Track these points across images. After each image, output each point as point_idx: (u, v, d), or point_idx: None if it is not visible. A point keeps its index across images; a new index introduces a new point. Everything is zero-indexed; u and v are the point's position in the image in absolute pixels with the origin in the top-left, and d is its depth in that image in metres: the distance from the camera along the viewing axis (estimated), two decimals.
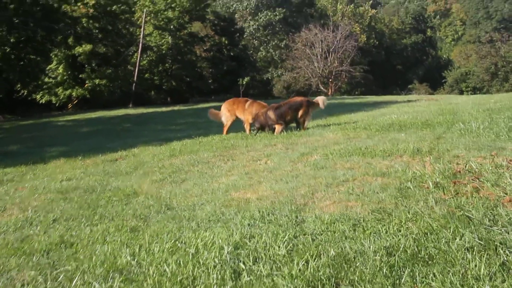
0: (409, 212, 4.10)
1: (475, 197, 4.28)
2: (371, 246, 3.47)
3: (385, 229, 3.79)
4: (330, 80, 52.84)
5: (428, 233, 3.59)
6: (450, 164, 5.53)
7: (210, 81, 49.44)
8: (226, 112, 11.81)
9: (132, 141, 12.37)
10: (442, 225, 3.69)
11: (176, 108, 30.10)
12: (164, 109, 29.57)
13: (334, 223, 4.06)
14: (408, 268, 3.12)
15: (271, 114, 10.54)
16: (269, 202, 5.00)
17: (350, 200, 4.73)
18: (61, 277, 3.58)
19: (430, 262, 3.19)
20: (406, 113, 12.78)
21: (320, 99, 11.06)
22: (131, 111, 29.10)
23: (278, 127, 10.55)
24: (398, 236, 3.62)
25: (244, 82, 39.93)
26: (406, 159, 6.20)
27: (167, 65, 45.65)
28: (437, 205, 4.17)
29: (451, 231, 3.57)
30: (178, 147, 9.97)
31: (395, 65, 72.12)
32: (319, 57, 52.05)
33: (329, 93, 50.81)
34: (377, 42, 67.99)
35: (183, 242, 4.03)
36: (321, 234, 3.86)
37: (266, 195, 5.33)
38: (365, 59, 59.29)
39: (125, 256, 3.85)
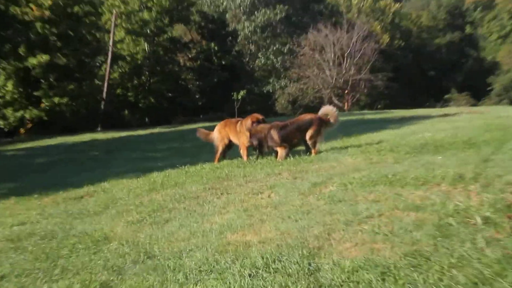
0: (452, 256, 4.06)
1: None
2: None
3: (422, 278, 3.74)
4: (346, 91, 53.19)
5: (479, 283, 3.55)
6: (502, 193, 5.50)
7: (197, 96, 49.87)
8: (217, 135, 11.89)
9: (102, 173, 12.36)
10: (497, 273, 3.64)
11: (155, 130, 30.23)
12: (141, 132, 29.68)
13: (358, 271, 4.02)
14: None
15: (274, 134, 10.56)
16: (274, 246, 4.95)
17: (376, 241, 4.68)
18: None
19: None
20: (443, 131, 12.81)
21: (329, 111, 11.03)
22: (99, 135, 29.19)
23: (281, 151, 10.56)
24: (440, 287, 3.56)
25: (240, 97, 40.14)
26: (445, 188, 6.17)
27: (143, 77, 46.09)
28: (489, 247, 4.13)
29: (508, 280, 3.52)
30: (160, 179, 9.94)
31: (426, 71, 72.54)
32: (331, 63, 52.52)
33: (346, 107, 51.10)
34: (403, 43, 68.67)
35: None
36: (341, 286, 3.82)
37: (271, 237, 5.28)
38: (388, 64, 59.78)
39: None
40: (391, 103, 57.19)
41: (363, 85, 53.56)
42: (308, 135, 10.64)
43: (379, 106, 57.92)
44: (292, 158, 10.28)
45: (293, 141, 10.71)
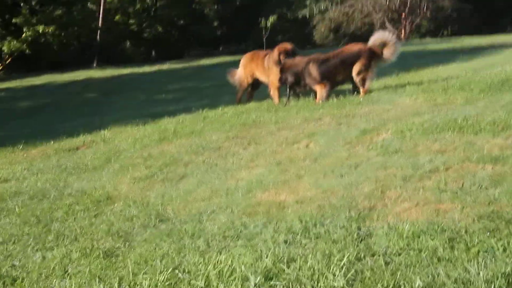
0: None
1: None
2: (480, 273, 3.44)
3: (502, 245, 3.74)
4: (403, 15, 52.22)
5: None
6: None
7: (215, 24, 49.50)
8: (240, 71, 11.94)
9: (100, 119, 12.52)
10: None
11: (165, 67, 30.25)
12: (147, 69, 29.76)
13: (419, 237, 4.03)
14: None
15: (313, 69, 10.51)
16: (315, 207, 5.01)
17: (442, 200, 4.68)
18: None
19: None
20: None
21: (385, 39, 10.85)
22: (95, 73, 29.38)
23: (321, 90, 10.52)
24: None
25: (269, 24, 39.77)
26: None
27: (148, 1, 45.81)
28: None
29: None
30: (172, 127, 10.03)
31: None
32: None
33: (403, 35, 50.28)
34: None
35: (186, 271, 4.05)
36: (400, 255, 3.84)
37: (310, 197, 5.34)
38: None
39: None
40: (461, 29, 55.87)
41: (425, 6, 52.44)
42: (355, 70, 10.56)
43: (445, 33, 56.77)
44: (335, 100, 10.24)
45: (337, 77, 10.66)
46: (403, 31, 51.43)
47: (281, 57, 10.98)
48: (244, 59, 12.04)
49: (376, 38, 10.91)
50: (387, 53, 10.75)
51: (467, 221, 4.20)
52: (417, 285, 3.41)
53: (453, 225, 4.15)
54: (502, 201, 4.47)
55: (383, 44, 10.80)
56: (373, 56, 10.68)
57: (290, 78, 10.64)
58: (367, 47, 10.85)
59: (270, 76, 11.32)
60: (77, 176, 7.57)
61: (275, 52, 11.19)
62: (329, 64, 10.58)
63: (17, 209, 6.33)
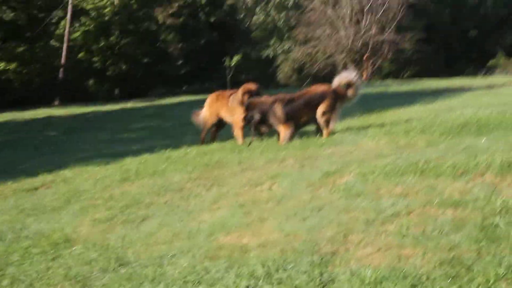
0: (500, 265, 4.07)
1: None
2: None
3: None
4: (366, 56, 53.06)
5: None
6: None
7: (180, 62, 49.68)
8: (205, 111, 11.97)
9: (61, 158, 12.36)
10: None
11: (128, 105, 30.19)
12: (109, 107, 29.65)
13: (382, 283, 4.04)
14: None
15: (278, 108, 10.53)
16: (277, 251, 4.97)
17: (404, 245, 4.69)
18: None
19: None
20: (488, 106, 12.81)
21: (349, 79, 10.94)
22: (58, 111, 29.16)
23: (285, 131, 10.55)
24: None
25: (233, 63, 40.10)
26: (490, 180, 6.18)
27: (112, 38, 45.84)
28: None
29: None
30: (134, 167, 9.94)
31: (466, 31, 72.21)
32: (347, 21, 52.31)
33: (365, 77, 50.99)
34: None
35: None
36: None
37: (273, 240, 5.30)
38: (419, 22, 59.47)
39: None
40: (421, 71, 56.92)
41: (387, 49, 53.32)
42: (320, 111, 10.62)
43: (406, 75, 57.75)
44: (298, 141, 10.27)
45: (301, 118, 10.71)
46: (365, 72, 52.15)
47: (245, 97, 11.04)
48: (209, 99, 12.10)
49: (340, 79, 11.00)
50: (350, 93, 10.86)
51: (429, 267, 4.21)
52: None
53: (415, 271, 4.16)
54: (463, 247, 4.49)
55: (347, 85, 10.91)
56: (338, 97, 10.77)
57: (255, 117, 10.66)
58: (331, 89, 10.94)
59: (234, 115, 11.36)
60: (35, 218, 7.43)
61: (239, 92, 11.27)
62: (294, 105, 10.63)
63: None
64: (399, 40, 52.10)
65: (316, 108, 10.62)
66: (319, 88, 11.15)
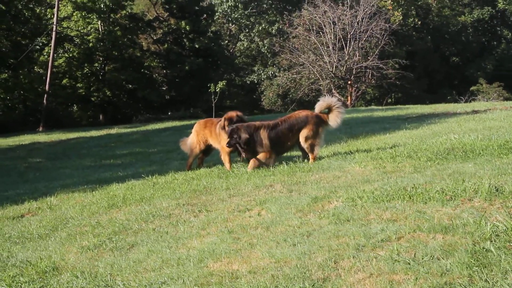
0: None
1: None
2: None
3: None
4: (349, 82, 53.42)
5: None
6: None
7: (164, 88, 49.80)
8: (192, 137, 11.97)
9: (46, 185, 12.29)
10: None
11: (113, 131, 30.11)
12: (94, 133, 29.57)
13: None
14: None
15: (263, 135, 10.54)
16: (268, 277, 4.96)
17: (395, 271, 4.70)
18: None
19: None
20: (473, 131, 12.88)
21: (331, 104, 10.97)
22: (42, 137, 29.04)
23: (264, 157, 10.58)
24: None
25: (218, 89, 40.15)
26: (479, 205, 6.20)
27: (96, 65, 45.99)
28: None
29: None
30: (121, 193, 9.91)
31: (448, 57, 72.99)
32: (331, 48, 52.69)
33: (349, 102, 51.30)
34: (419, 23, 69.08)
35: None
36: None
37: (263, 266, 5.28)
38: (401, 48, 60.16)
39: None
40: (404, 97, 57.57)
41: (370, 75, 53.73)
42: (302, 137, 10.65)
43: (389, 101, 58.26)
44: (286, 166, 10.28)
45: (286, 144, 10.73)
46: (349, 98, 52.48)
47: (226, 124, 11.08)
48: (197, 126, 12.10)
49: (322, 104, 11.05)
50: (333, 118, 10.89)
51: None
52: None
53: None
54: (454, 272, 4.49)
55: (329, 109, 10.96)
56: (321, 122, 10.81)
57: (241, 139, 10.62)
58: (314, 114, 10.98)
59: (221, 142, 11.38)
60: (22, 246, 7.38)
61: (222, 119, 11.32)
62: (278, 130, 10.64)
63: None
64: (382, 66, 52.50)
65: (299, 133, 10.66)
66: (301, 113, 11.18)
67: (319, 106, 11.02)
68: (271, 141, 10.51)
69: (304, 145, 10.68)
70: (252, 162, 10.54)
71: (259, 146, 10.54)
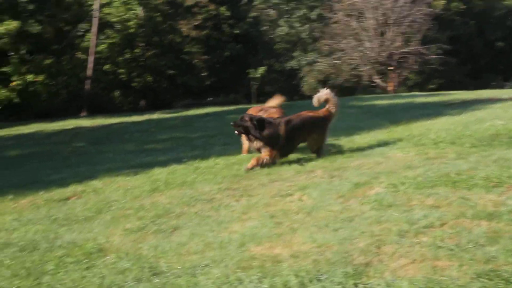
0: None
1: None
2: None
3: None
4: (391, 68, 52.91)
5: None
6: None
7: (204, 74, 49.89)
8: None
9: (90, 169, 12.44)
10: None
11: (154, 116, 30.31)
12: (135, 118, 29.80)
13: None
14: None
15: (282, 128, 9.94)
16: (310, 262, 4.99)
17: (439, 257, 4.68)
18: None
19: None
20: None
21: (328, 97, 10.41)
22: (85, 122, 29.37)
23: (269, 154, 9.84)
24: None
25: (257, 75, 40.17)
26: None
27: (137, 50, 46.22)
28: None
29: None
30: (163, 177, 9.98)
31: (493, 42, 71.57)
32: (372, 33, 52.24)
33: (390, 88, 50.86)
34: (463, 7, 67.91)
35: None
36: None
37: (305, 251, 5.31)
38: (444, 34, 59.25)
39: None
40: (447, 83, 56.64)
41: (412, 60, 53.17)
42: (312, 137, 10.24)
43: (431, 87, 57.48)
44: (326, 152, 10.26)
45: (296, 141, 10.20)
46: (390, 84, 52.02)
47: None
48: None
49: (321, 96, 10.61)
50: (333, 111, 10.42)
51: (466, 279, 4.19)
52: None
53: (451, 283, 4.15)
54: (499, 259, 4.47)
55: (326, 101, 10.57)
56: (328, 123, 10.35)
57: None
58: (324, 113, 10.42)
59: None
60: (68, 227, 7.50)
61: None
62: (295, 125, 10.01)
63: (6, 261, 6.23)
64: (424, 52, 51.86)
65: (309, 134, 10.25)
66: (309, 113, 10.58)
67: (317, 100, 10.64)
68: (286, 135, 9.88)
69: (313, 147, 10.32)
70: (265, 157, 9.77)
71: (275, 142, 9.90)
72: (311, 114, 10.48)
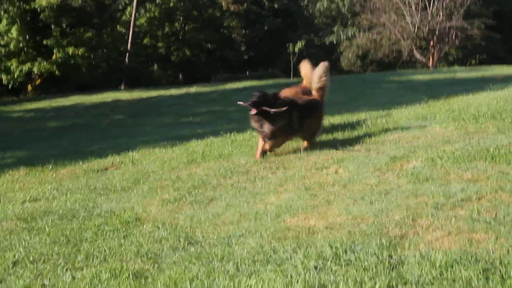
0: None
1: None
2: None
3: None
4: (432, 43, 52.16)
5: None
6: None
7: (243, 48, 49.84)
8: None
9: (128, 141, 12.61)
10: None
11: (192, 90, 30.42)
12: (173, 91, 29.94)
13: (453, 267, 4.01)
14: None
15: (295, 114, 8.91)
16: (345, 233, 5.01)
17: (475, 230, 4.66)
18: None
19: None
20: None
21: (320, 74, 9.52)
22: (123, 95, 29.62)
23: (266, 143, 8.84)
24: None
25: (296, 50, 39.85)
26: None
27: (177, 25, 46.33)
28: None
29: None
30: (200, 149, 10.09)
31: None
32: (413, 7, 51.47)
33: (430, 63, 50.19)
34: None
35: None
36: (432, 284, 3.82)
37: (340, 223, 5.33)
38: (488, 8, 58.12)
39: None
40: (489, 59, 55.64)
41: (454, 35, 52.30)
42: (306, 123, 9.09)
43: (474, 62, 56.56)
44: (364, 126, 10.23)
45: (295, 125, 8.95)
46: (431, 59, 51.30)
47: None
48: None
49: (315, 75, 9.57)
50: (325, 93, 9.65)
51: (502, 251, 4.16)
52: None
53: (487, 255, 4.12)
54: None
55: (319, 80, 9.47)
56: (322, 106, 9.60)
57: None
58: (319, 99, 9.50)
59: None
60: (106, 197, 7.63)
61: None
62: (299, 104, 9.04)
63: (46, 229, 6.39)
64: (467, 26, 50.94)
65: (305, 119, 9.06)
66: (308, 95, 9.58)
67: (315, 77, 9.56)
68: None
69: (308, 132, 9.18)
70: (265, 146, 8.83)
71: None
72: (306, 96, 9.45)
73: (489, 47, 56.24)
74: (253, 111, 8.51)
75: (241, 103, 9.17)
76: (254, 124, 8.77)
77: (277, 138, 8.73)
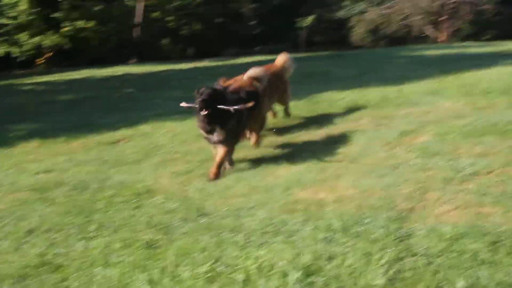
0: None
1: None
2: None
3: None
4: (443, 18, 51.72)
5: None
6: None
7: (253, 23, 49.51)
8: None
9: (138, 114, 12.60)
10: None
11: (202, 64, 30.36)
12: (183, 65, 29.88)
13: (460, 240, 4.05)
14: None
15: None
16: (353, 206, 5.06)
17: (483, 204, 4.69)
18: None
19: None
20: None
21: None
22: (134, 69, 29.57)
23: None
24: None
25: (306, 24, 39.66)
26: None
27: None
28: None
29: None
30: None
31: None
32: None
33: (442, 38, 49.80)
34: None
35: (226, 265, 4.13)
36: (440, 256, 3.86)
37: (349, 196, 5.38)
38: None
39: (140, 285, 3.99)
40: (502, 34, 55.08)
41: (466, 10, 51.84)
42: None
43: (486, 37, 56.07)
44: (374, 101, 10.22)
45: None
46: (442, 34, 50.90)
47: None
48: None
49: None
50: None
51: (510, 225, 4.20)
52: (459, 286, 3.42)
53: (495, 229, 4.16)
54: None
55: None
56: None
57: None
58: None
59: None
60: (118, 169, 7.67)
61: None
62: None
63: (59, 199, 6.44)
64: (478, 1, 50.46)
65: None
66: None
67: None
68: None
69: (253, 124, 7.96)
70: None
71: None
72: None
73: (502, 22, 55.68)
74: (204, 112, 6.97)
75: (184, 104, 7.53)
76: (202, 128, 7.26)
77: (234, 141, 7.30)
